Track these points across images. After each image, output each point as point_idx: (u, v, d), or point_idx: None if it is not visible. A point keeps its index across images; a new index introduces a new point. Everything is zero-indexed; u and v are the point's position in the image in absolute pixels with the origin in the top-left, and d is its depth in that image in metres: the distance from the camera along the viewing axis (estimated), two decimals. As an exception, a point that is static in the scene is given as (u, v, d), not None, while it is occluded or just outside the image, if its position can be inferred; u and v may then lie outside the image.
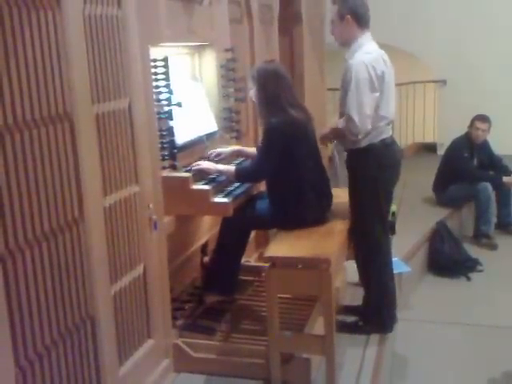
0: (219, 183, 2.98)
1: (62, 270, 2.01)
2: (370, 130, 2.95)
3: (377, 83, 2.92)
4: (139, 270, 2.53)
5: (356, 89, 2.90)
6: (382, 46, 3.09)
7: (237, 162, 3.30)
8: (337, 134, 3.18)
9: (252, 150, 3.34)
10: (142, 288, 2.56)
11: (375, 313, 3.19)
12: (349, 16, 2.97)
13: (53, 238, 1.96)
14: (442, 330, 3.53)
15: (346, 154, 3.20)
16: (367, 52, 2.97)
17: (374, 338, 3.11)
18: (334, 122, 3.23)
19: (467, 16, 7.12)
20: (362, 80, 2.89)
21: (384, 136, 3.05)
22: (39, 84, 1.87)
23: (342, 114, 3.07)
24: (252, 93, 3.05)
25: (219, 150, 3.23)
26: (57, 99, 1.96)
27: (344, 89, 3.00)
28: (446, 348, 3.31)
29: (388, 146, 3.07)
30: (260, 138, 3.19)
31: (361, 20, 3.00)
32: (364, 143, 3.00)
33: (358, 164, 3.07)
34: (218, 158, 3.18)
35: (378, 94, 2.93)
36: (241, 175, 3.00)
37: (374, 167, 3.01)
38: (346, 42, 3.05)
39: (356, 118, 2.89)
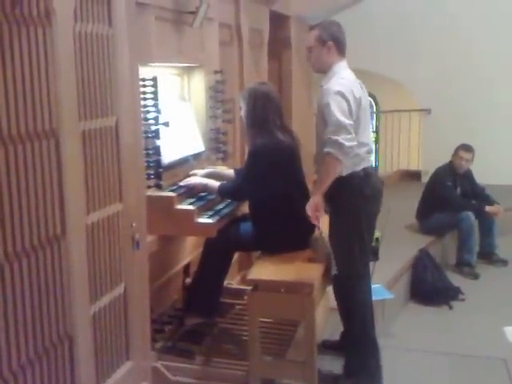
0: (204, 203, 2.97)
1: (42, 287, 1.98)
2: (355, 149, 2.75)
3: (354, 107, 2.78)
4: (120, 289, 2.49)
5: (333, 111, 2.72)
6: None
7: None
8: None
9: (229, 171, 3.32)
10: (122, 308, 2.52)
11: (361, 362, 2.97)
12: (331, 42, 2.93)
13: (33, 254, 1.93)
14: (422, 358, 3.51)
15: None
16: (343, 77, 2.88)
17: None
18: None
19: (451, 45, 7.22)
20: (339, 103, 2.74)
21: (365, 165, 2.92)
22: (26, 99, 1.86)
23: (318, 140, 2.93)
24: (242, 112, 3.06)
25: (195, 171, 3.23)
26: (43, 115, 1.94)
27: (320, 114, 2.87)
28: (425, 377, 3.29)
29: (369, 175, 2.93)
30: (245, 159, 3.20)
31: (341, 47, 2.97)
32: (346, 172, 2.83)
33: (339, 194, 2.85)
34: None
35: (352, 122, 2.75)
36: (222, 192, 3.02)
37: (357, 197, 2.86)
38: (323, 68, 2.97)
39: (339, 137, 2.68)
